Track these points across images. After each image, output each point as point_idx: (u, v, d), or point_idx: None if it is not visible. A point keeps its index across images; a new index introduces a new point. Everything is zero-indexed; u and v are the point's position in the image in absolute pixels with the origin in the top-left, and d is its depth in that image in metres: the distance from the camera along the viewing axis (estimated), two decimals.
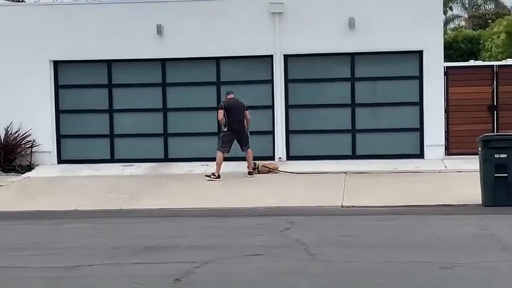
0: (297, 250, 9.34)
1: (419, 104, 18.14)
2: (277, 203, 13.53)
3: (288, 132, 18.55)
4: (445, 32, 30.96)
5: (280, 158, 18.39)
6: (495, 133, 16.87)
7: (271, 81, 18.49)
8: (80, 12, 19.06)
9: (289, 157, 18.46)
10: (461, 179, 15.41)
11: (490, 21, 40.34)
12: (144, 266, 8.73)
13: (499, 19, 33.63)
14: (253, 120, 16.88)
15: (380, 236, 10.32)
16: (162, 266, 8.68)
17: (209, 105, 18.55)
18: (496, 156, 12.66)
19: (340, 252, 9.21)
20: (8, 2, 22.88)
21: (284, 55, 18.39)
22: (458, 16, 50.26)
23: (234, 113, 16.46)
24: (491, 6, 48.63)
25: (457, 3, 49.03)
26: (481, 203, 12.74)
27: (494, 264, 8.37)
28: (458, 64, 19.94)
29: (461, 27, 45.83)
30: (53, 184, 16.68)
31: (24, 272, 8.66)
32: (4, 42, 18.86)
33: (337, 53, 18.30)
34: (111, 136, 19.09)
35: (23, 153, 18.71)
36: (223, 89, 18.15)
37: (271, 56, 18.42)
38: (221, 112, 16.45)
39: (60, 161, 19.08)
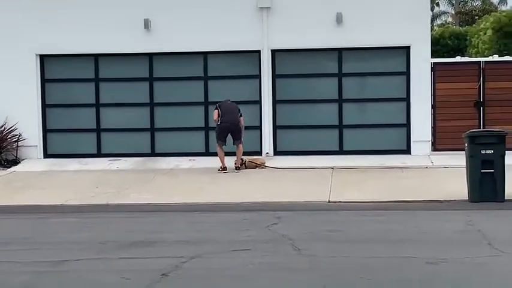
0: (284, 245, 9.35)
1: (407, 99, 18.19)
2: (264, 198, 13.55)
3: (275, 127, 18.57)
4: (432, 28, 30.98)
5: (267, 153, 18.41)
6: (482, 129, 16.93)
7: (258, 77, 18.49)
8: (67, 5, 18.92)
9: (277, 152, 18.49)
10: (447, 174, 15.48)
11: (476, 17, 40.49)
12: (131, 261, 8.73)
13: (485, 15, 33.72)
14: None
15: (367, 232, 10.34)
16: (149, 261, 8.67)
17: (196, 100, 18.57)
18: (483, 152, 12.71)
19: (326, 248, 9.22)
20: None
21: (272, 50, 18.39)
22: (445, 12, 50.48)
23: (227, 110, 16.73)
24: (478, 3, 48.83)
25: None
26: (467, 198, 12.79)
27: (480, 260, 8.41)
28: (445, 60, 19.96)
29: (448, 24, 46.01)
30: (39, 178, 16.61)
31: (10, 266, 8.62)
32: None
33: (325, 49, 18.34)
34: (98, 130, 19.03)
35: (8, 147, 18.62)
36: (211, 83, 18.16)
37: (259, 51, 18.41)
38: (216, 112, 16.76)
39: (47, 155, 19.01)
